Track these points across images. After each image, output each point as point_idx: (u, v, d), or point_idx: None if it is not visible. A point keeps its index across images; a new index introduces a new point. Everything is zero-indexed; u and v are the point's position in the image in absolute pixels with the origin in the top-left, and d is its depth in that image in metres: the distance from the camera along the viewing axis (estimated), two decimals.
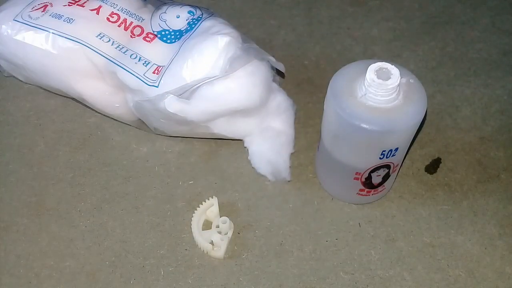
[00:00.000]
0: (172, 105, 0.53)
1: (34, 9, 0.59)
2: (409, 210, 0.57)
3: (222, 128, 0.57)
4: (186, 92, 0.53)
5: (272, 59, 0.57)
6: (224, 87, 0.53)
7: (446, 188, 0.58)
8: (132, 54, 0.56)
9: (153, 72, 0.55)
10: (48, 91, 0.64)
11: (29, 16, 0.58)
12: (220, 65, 0.52)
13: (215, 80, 0.52)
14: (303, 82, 0.68)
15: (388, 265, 0.53)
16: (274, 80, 0.60)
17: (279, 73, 0.62)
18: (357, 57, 0.71)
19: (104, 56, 0.56)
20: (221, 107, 0.54)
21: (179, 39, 0.57)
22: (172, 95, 0.53)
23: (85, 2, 0.59)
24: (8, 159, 0.60)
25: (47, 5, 0.59)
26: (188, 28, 0.57)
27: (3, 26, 0.58)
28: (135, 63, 0.55)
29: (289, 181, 0.58)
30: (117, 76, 0.56)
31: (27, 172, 0.59)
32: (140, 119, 0.60)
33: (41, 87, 0.65)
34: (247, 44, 0.55)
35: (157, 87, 0.54)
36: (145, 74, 0.55)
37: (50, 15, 0.58)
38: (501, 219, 0.56)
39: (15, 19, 0.59)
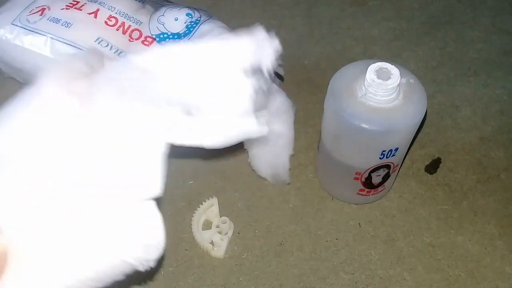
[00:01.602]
0: None
1: (32, 12, 0.59)
2: (409, 210, 0.57)
3: None
4: None
5: None
6: None
7: (446, 188, 0.58)
8: None
9: None
10: None
11: (27, 20, 0.58)
12: None
13: None
14: (303, 82, 0.68)
15: (388, 265, 0.53)
16: (273, 81, 0.60)
17: (278, 76, 0.62)
18: (357, 57, 0.71)
19: None
20: None
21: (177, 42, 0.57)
22: None
23: (82, 5, 0.59)
24: None
25: (45, 8, 0.59)
26: (187, 31, 0.57)
27: (1, 30, 0.58)
28: None
29: (288, 183, 0.58)
30: None
31: None
32: None
33: None
34: None
35: None
36: None
37: (48, 19, 0.58)
38: (501, 219, 0.56)
39: (13, 23, 0.59)
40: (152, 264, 0.36)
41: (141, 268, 0.35)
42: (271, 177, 0.58)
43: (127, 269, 0.36)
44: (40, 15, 0.59)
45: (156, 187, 0.37)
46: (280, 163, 0.58)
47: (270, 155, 0.58)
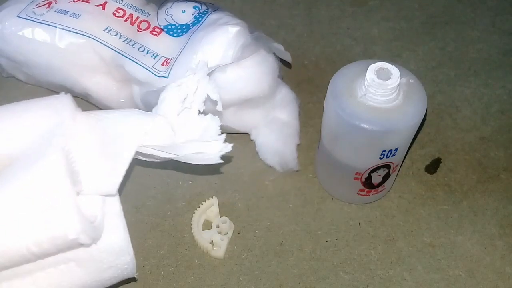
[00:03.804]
0: None
1: (38, 5, 0.59)
2: (409, 210, 0.57)
3: (230, 120, 0.57)
4: None
5: (281, 47, 0.57)
6: (235, 75, 0.53)
7: (446, 188, 0.58)
8: (140, 47, 0.56)
9: (162, 64, 0.55)
10: (49, 90, 0.64)
11: (34, 13, 0.58)
12: (230, 54, 0.53)
13: (226, 68, 0.52)
14: (303, 82, 0.68)
15: (388, 265, 0.53)
16: (278, 75, 0.60)
17: (285, 64, 0.62)
18: (357, 57, 0.71)
19: (112, 49, 0.56)
20: (232, 95, 0.54)
21: (186, 32, 0.57)
22: None
23: None
24: None
25: (52, 1, 0.59)
26: (195, 21, 0.57)
27: (7, 23, 0.58)
28: (144, 55, 0.56)
29: (296, 171, 0.58)
30: (125, 69, 0.56)
31: None
32: None
33: (41, 86, 0.65)
34: (256, 33, 0.55)
35: (167, 77, 0.54)
36: (154, 66, 0.55)
37: (55, 11, 0.58)
38: (501, 219, 0.56)
39: (19, 15, 0.59)
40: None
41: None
42: (279, 165, 0.58)
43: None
44: (47, 8, 0.59)
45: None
46: (287, 151, 0.58)
47: (277, 143, 0.58)
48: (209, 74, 0.52)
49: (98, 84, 0.59)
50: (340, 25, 0.75)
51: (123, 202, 0.57)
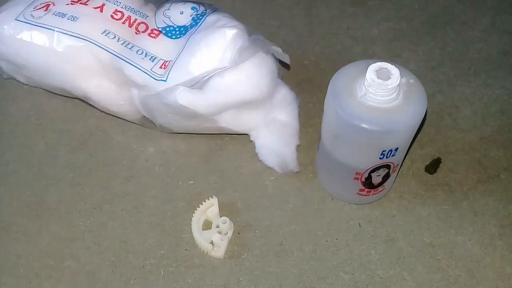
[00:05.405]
0: (184, 97, 0.53)
1: (36, 8, 0.59)
2: (409, 210, 0.57)
3: (229, 121, 0.57)
4: (197, 84, 0.53)
5: (279, 49, 0.57)
6: (233, 78, 0.53)
7: (446, 188, 0.58)
8: (138, 50, 0.56)
9: (160, 67, 0.55)
10: (49, 91, 0.64)
11: (32, 16, 0.58)
12: (228, 57, 0.53)
13: (224, 71, 0.52)
14: (303, 82, 0.68)
15: (388, 265, 0.53)
16: (278, 75, 0.60)
17: (284, 65, 0.62)
18: (357, 57, 0.71)
19: (110, 52, 0.56)
20: (231, 99, 0.54)
21: (184, 34, 0.57)
22: (183, 87, 0.53)
23: (88, 0, 0.59)
24: (8, 159, 0.60)
25: (50, 4, 0.59)
26: (193, 23, 0.57)
27: (5, 27, 0.58)
28: (142, 58, 0.55)
29: (296, 172, 0.58)
30: (123, 72, 0.56)
31: (27, 172, 0.59)
32: (144, 117, 0.60)
33: (41, 88, 0.65)
34: (254, 36, 0.55)
35: (165, 81, 0.54)
36: (152, 69, 0.55)
37: (53, 14, 0.58)
38: (501, 219, 0.56)
39: (17, 18, 0.59)
40: None
41: None
42: (279, 167, 0.58)
43: None
44: (44, 10, 0.59)
45: None
46: (287, 152, 0.58)
47: (277, 144, 0.58)
48: (208, 78, 0.53)
49: (97, 87, 0.59)
50: (340, 25, 0.75)
51: (123, 202, 0.57)
